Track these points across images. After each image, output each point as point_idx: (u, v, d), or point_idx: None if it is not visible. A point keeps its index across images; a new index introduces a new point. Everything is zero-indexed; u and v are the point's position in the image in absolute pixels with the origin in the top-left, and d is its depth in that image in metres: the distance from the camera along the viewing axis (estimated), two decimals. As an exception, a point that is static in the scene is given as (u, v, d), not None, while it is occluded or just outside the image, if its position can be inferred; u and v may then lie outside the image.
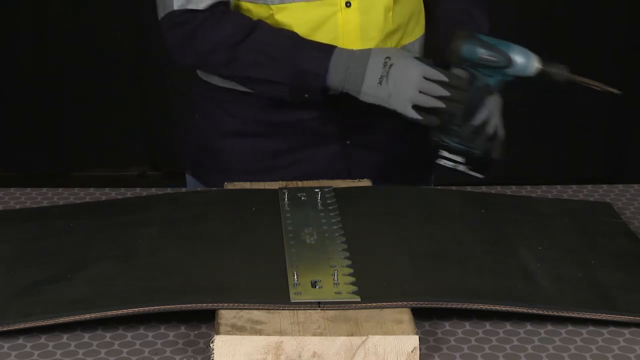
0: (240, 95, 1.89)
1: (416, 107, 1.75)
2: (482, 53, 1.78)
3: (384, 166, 1.92)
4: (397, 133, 1.94)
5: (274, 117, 1.90)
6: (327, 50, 1.79)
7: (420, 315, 1.44)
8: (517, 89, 1.88)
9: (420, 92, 1.74)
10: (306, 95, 1.81)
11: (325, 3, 1.83)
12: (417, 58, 1.79)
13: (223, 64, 1.83)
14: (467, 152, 1.81)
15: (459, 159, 1.81)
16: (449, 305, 1.43)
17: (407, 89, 1.75)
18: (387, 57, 1.76)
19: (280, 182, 1.82)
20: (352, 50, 1.79)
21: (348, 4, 1.84)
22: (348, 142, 1.92)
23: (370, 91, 1.76)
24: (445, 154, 1.81)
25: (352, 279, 1.47)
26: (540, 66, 1.78)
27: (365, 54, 1.78)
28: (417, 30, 1.95)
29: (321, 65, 1.78)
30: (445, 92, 1.73)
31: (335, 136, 1.92)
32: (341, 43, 1.84)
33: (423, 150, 1.94)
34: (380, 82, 1.76)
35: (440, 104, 1.74)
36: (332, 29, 1.85)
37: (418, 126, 1.89)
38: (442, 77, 1.74)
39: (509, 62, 1.78)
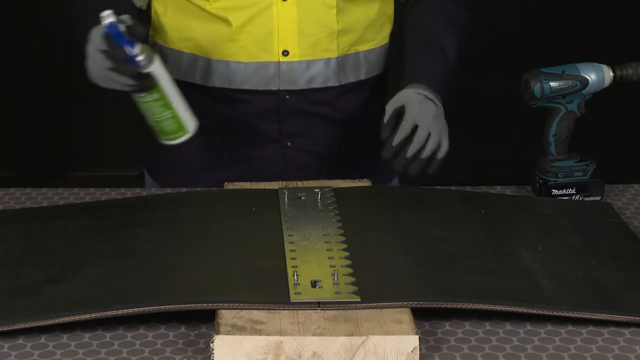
0: (181, 85, 1.89)
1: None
2: (554, 85, 1.79)
3: (325, 172, 1.90)
4: (340, 139, 1.93)
5: (217, 108, 1.89)
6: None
7: (420, 315, 1.44)
8: (516, 89, 1.88)
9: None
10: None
11: None
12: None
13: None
14: (576, 182, 1.83)
15: (570, 190, 1.83)
16: (449, 305, 1.43)
17: (98, 67, 1.70)
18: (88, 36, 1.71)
19: (280, 182, 1.82)
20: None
21: None
22: (289, 144, 1.92)
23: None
24: (556, 191, 1.83)
25: (352, 279, 1.47)
26: (614, 73, 1.80)
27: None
28: (378, 39, 1.93)
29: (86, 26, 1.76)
30: (110, 64, 1.66)
31: (276, 136, 1.91)
32: (277, 37, 1.83)
33: (366, 157, 1.94)
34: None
35: (125, 81, 1.67)
36: (268, 22, 1.83)
37: (360, 133, 1.90)
38: (102, 47, 1.66)
39: (584, 83, 1.79)
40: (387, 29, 1.95)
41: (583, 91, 1.82)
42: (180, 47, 1.88)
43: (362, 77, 1.93)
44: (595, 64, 1.82)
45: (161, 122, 1.71)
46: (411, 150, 1.66)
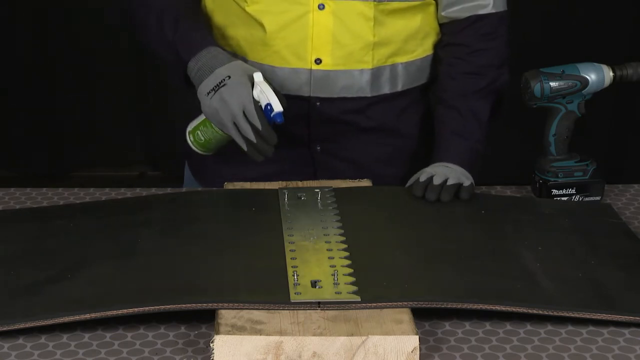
0: None
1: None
2: (554, 86, 1.80)
3: (354, 177, 1.88)
4: (371, 146, 1.93)
5: None
6: (202, 43, 1.80)
7: (420, 315, 1.44)
8: (516, 89, 1.88)
9: (234, 123, 1.73)
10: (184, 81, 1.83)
11: (298, 2, 1.82)
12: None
13: (139, 24, 1.89)
14: (576, 182, 1.84)
15: (570, 190, 1.83)
16: (449, 305, 1.43)
17: (225, 116, 1.73)
18: (228, 76, 1.74)
19: (280, 182, 1.82)
20: (221, 53, 1.79)
21: (321, 6, 1.83)
22: (318, 148, 1.92)
23: (201, 98, 1.76)
24: (556, 192, 1.83)
25: (352, 279, 1.47)
26: (614, 73, 1.80)
27: (219, 63, 1.76)
28: (419, 51, 1.90)
29: (190, 53, 1.79)
30: (252, 137, 1.71)
31: (305, 140, 1.91)
32: (310, 45, 1.83)
33: (394, 164, 1.93)
34: (208, 94, 1.74)
35: (243, 146, 1.73)
36: (303, 29, 1.83)
37: (393, 140, 1.91)
38: (256, 122, 1.71)
39: (584, 83, 1.79)
40: (430, 40, 1.92)
41: (583, 91, 1.82)
42: (222, 44, 1.88)
43: (399, 89, 1.91)
44: (595, 64, 1.82)
45: (211, 143, 1.82)
46: (436, 181, 1.76)
